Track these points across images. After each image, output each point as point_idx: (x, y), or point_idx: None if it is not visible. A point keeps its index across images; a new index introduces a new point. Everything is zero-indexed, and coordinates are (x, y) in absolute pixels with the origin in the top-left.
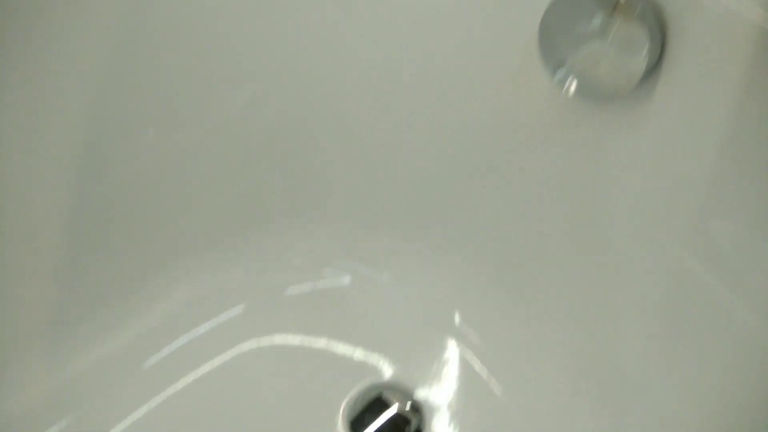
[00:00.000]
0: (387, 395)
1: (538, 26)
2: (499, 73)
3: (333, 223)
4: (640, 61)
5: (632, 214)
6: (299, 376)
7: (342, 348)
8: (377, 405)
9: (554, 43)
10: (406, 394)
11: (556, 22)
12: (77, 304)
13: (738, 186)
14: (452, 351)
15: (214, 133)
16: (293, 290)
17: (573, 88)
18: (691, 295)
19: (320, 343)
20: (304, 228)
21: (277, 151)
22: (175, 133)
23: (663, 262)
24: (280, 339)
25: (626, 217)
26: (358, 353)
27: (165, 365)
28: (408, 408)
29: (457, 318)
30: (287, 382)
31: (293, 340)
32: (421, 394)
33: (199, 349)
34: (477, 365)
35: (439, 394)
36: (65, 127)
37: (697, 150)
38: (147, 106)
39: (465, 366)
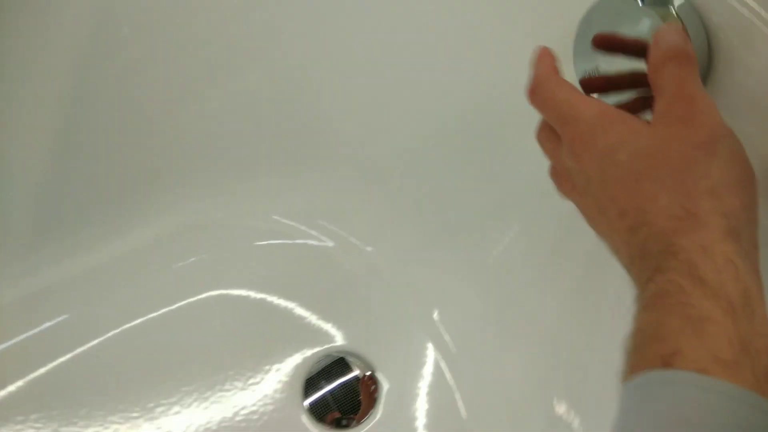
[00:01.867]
0: (350, 360)
1: (577, 26)
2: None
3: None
4: None
5: None
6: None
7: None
8: (337, 366)
9: (588, 47)
10: (366, 363)
11: (595, 25)
12: (56, 221)
13: None
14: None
15: (216, 79)
16: (262, 242)
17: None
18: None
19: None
20: (292, 180)
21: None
22: (177, 74)
23: None
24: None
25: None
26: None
27: (125, 300)
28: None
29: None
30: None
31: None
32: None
33: (161, 290)
34: (445, 366)
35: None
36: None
37: None
38: (152, 42)
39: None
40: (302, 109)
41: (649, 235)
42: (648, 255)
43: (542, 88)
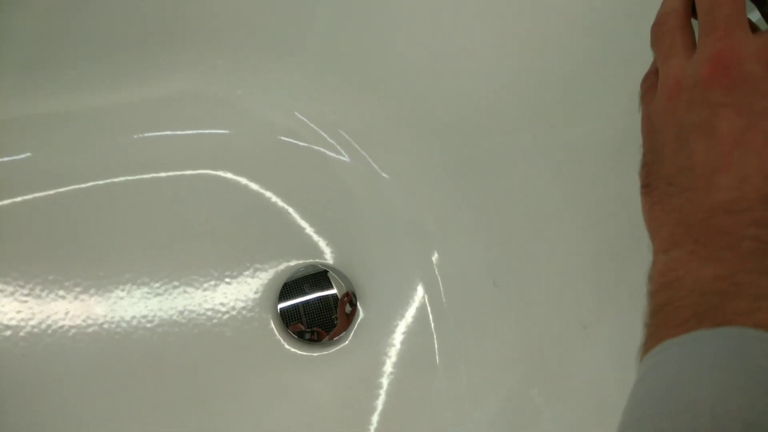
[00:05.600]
0: (332, 277)
1: None
2: None
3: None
4: None
5: None
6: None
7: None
8: (317, 280)
9: None
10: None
11: None
12: (65, 50)
13: None
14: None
15: None
16: (275, 136)
17: None
18: None
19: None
20: (325, 84)
21: None
22: None
23: None
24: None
25: None
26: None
27: (114, 153)
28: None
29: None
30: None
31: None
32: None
33: (155, 153)
34: (431, 311)
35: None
36: None
37: None
38: None
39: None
40: (357, 18)
41: None
42: None
43: None
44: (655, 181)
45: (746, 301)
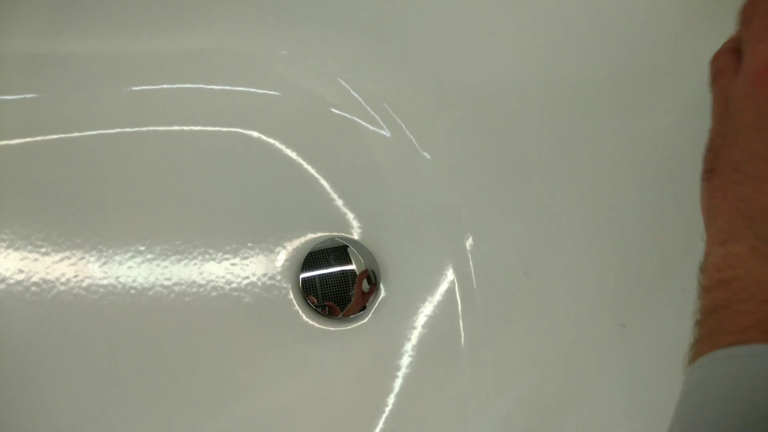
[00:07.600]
0: (353, 254)
1: None
2: None
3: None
4: None
5: None
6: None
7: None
8: (340, 255)
9: None
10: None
11: None
12: None
13: None
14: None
15: None
16: (314, 101)
17: None
18: None
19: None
20: (373, 56)
21: None
22: None
23: None
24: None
25: None
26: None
27: (149, 100)
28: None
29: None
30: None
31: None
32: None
33: (187, 104)
34: (459, 295)
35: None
36: None
37: None
38: None
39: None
40: None
41: None
42: None
43: None
44: (720, 166)
45: None
